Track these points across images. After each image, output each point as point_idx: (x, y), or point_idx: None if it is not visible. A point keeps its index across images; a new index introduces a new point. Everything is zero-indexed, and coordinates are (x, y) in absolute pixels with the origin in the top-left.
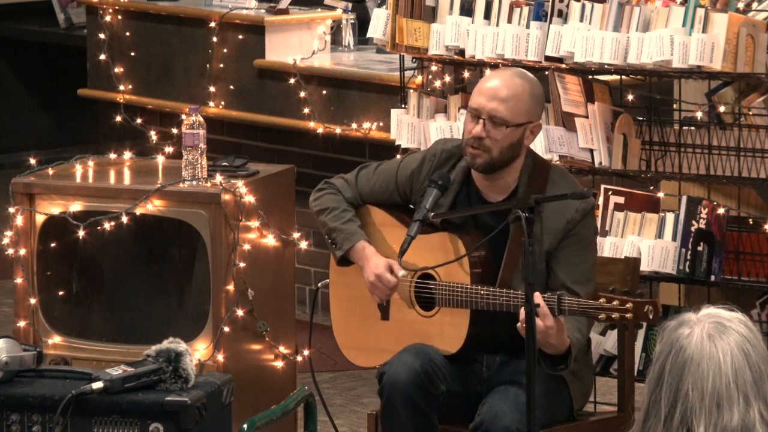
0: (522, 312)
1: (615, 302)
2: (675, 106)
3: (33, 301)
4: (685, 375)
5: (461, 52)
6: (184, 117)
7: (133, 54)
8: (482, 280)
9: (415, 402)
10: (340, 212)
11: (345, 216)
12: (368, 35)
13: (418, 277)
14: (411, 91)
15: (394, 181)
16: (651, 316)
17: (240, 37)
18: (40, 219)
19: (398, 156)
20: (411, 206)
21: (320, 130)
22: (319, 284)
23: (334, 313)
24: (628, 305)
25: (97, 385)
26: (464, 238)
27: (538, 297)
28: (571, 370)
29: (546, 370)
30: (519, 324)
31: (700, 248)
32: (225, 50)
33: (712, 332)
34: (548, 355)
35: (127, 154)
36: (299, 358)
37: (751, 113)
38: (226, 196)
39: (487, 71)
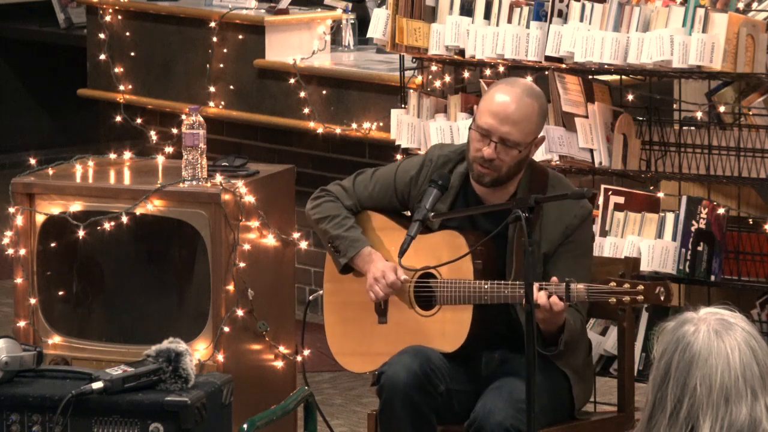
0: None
1: (626, 285)
2: (675, 106)
3: (33, 301)
4: (692, 370)
5: (461, 52)
6: (184, 117)
7: (133, 54)
8: (485, 275)
9: (414, 403)
10: (341, 219)
11: (346, 223)
12: (368, 35)
13: (419, 276)
14: (411, 91)
15: (392, 186)
16: (662, 298)
17: (240, 37)
18: (40, 219)
19: (397, 157)
20: (407, 212)
21: (320, 130)
22: (310, 297)
23: (328, 321)
24: (639, 287)
25: (97, 385)
26: (466, 236)
27: (542, 296)
28: (574, 368)
29: (538, 349)
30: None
31: (700, 248)
32: (225, 50)
33: (719, 328)
34: (540, 335)
35: (127, 154)
36: (299, 358)
37: (751, 113)
38: (226, 196)
39: (487, 86)
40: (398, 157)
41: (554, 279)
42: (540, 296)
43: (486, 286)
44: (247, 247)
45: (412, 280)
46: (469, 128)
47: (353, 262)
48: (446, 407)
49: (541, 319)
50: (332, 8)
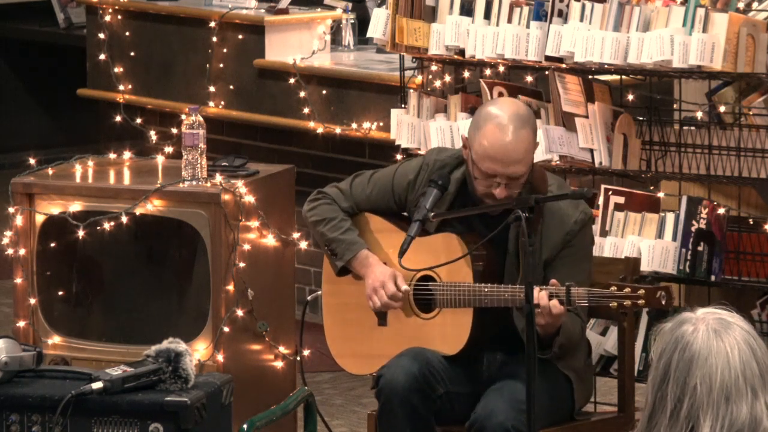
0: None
1: (626, 290)
2: (675, 106)
3: (33, 301)
4: (692, 370)
5: (461, 52)
6: (184, 117)
7: (133, 54)
8: (484, 278)
9: (412, 405)
10: (338, 222)
11: (343, 225)
12: (368, 35)
13: (417, 279)
14: (411, 91)
15: (390, 189)
16: (664, 302)
17: (240, 37)
18: (39, 219)
19: (398, 157)
20: (405, 214)
21: (320, 130)
22: (308, 297)
23: (327, 323)
24: (640, 292)
25: (97, 385)
26: (465, 237)
27: (544, 297)
28: (575, 370)
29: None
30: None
31: (700, 248)
32: (225, 50)
33: (718, 328)
34: (537, 338)
35: (127, 154)
36: (299, 358)
37: (751, 113)
38: (226, 196)
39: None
40: (398, 157)
41: (554, 281)
42: (542, 296)
43: (486, 290)
44: (247, 247)
45: (411, 283)
46: (470, 160)
47: (350, 265)
48: (446, 409)
49: (541, 324)
50: (332, 8)
